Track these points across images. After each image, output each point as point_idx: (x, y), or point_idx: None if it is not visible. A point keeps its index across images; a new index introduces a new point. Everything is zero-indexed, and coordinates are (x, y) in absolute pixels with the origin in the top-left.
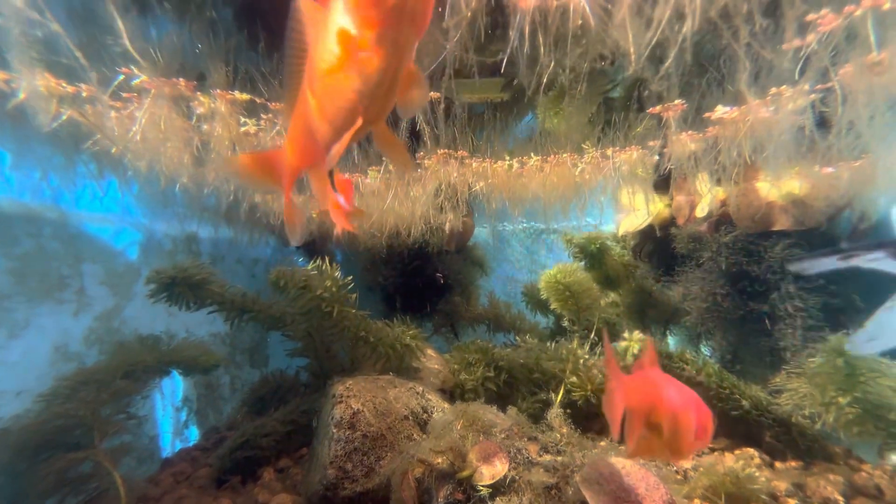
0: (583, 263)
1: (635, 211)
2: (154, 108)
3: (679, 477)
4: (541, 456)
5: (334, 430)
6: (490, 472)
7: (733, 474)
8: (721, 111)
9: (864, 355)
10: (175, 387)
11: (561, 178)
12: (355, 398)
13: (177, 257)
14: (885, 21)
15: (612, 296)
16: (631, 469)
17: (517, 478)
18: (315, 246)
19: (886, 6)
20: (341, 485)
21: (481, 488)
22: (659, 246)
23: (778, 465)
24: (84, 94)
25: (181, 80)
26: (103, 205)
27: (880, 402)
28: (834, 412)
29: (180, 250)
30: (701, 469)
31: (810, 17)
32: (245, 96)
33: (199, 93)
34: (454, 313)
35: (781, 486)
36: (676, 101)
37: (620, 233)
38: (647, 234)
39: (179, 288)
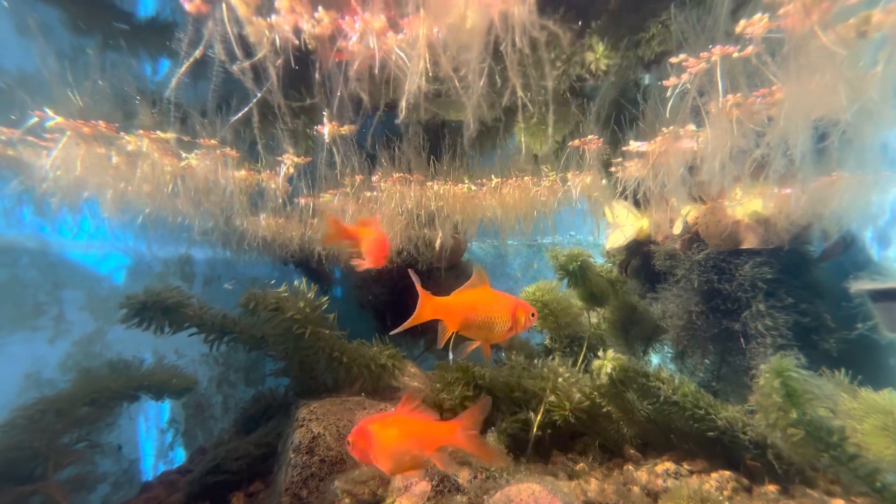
0: (565, 281)
1: (620, 227)
2: (72, 148)
3: (651, 499)
4: (470, 482)
5: (292, 456)
6: (410, 501)
7: (697, 497)
8: (634, 145)
9: (801, 375)
10: (161, 409)
11: (518, 199)
12: (317, 422)
13: (168, 280)
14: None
15: (602, 312)
16: (539, 494)
17: None
18: (312, 264)
19: (735, 55)
20: None
21: None
22: (644, 262)
23: (756, 489)
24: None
25: (101, 122)
26: (89, 231)
27: (820, 424)
28: (779, 434)
29: (172, 273)
30: (670, 491)
31: (673, 59)
32: (171, 135)
33: (122, 133)
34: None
35: None
36: (591, 137)
37: (607, 248)
38: (633, 251)
39: (151, 312)
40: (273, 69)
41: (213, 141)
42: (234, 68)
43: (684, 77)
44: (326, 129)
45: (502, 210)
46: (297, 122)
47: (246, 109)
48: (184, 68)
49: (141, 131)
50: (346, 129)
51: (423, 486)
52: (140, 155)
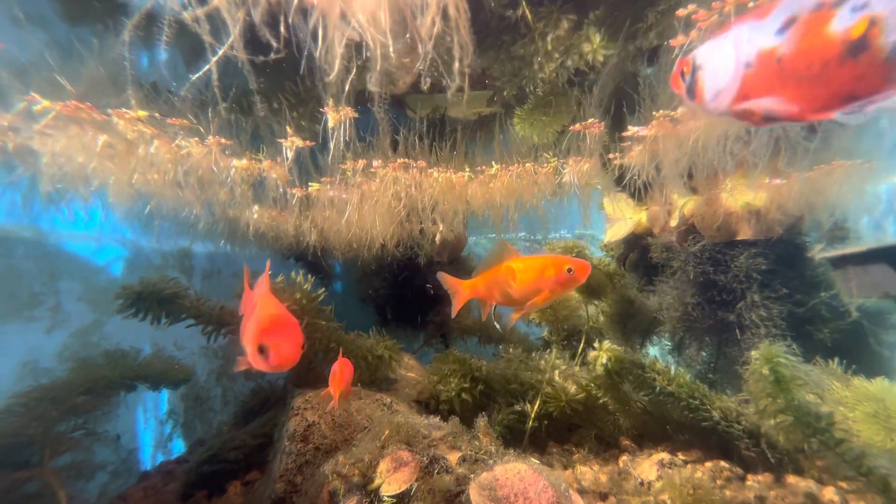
0: None
1: (619, 220)
2: (59, 132)
3: (643, 489)
4: (459, 465)
5: (287, 443)
6: (398, 482)
7: (690, 484)
8: (633, 130)
9: (790, 362)
10: (159, 400)
11: (515, 188)
12: (312, 410)
13: (166, 272)
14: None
15: (600, 305)
16: (525, 474)
17: (422, 486)
18: (312, 258)
19: (750, 4)
20: (289, 498)
21: (386, 498)
22: (642, 255)
23: (750, 478)
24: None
25: (74, 101)
26: (87, 223)
27: (808, 409)
28: (768, 420)
29: (171, 265)
30: (663, 480)
31: (680, 12)
32: (143, 113)
33: (110, 113)
34: (445, 325)
35: (739, 496)
36: (591, 120)
37: (605, 242)
38: (631, 244)
39: (147, 303)
40: (231, 20)
41: (183, 120)
42: (186, 15)
43: (693, 34)
44: (329, 116)
45: (501, 198)
46: (303, 110)
47: (207, 67)
48: (135, 19)
49: (111, 110)
50: (346, 111)
51: (411, 468)
52: (138, 141)
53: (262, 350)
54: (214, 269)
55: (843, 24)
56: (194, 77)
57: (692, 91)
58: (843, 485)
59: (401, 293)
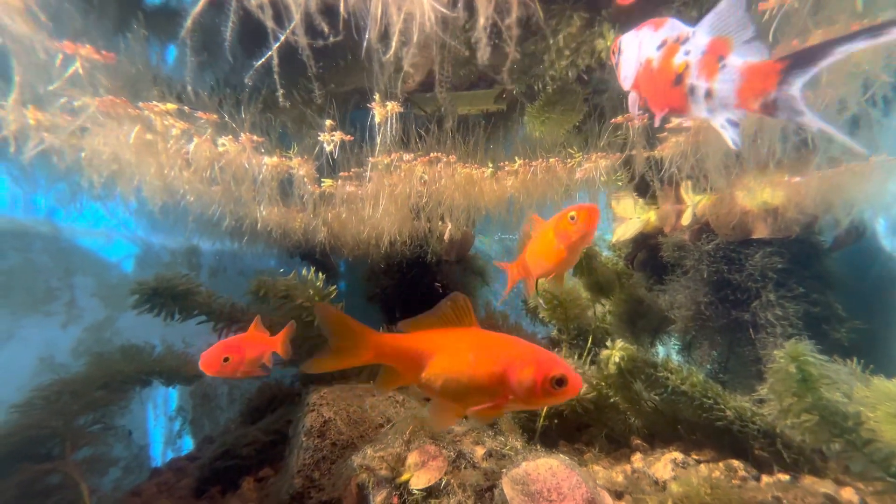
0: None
1: (627, 219)
2: (98, 127)
3: (659, 487)
4: (485, 460)
5: (303, 439)
6: (427, 476)
7: (707, 484)
8: (675, 121)
9: (817, 360)
10: (169, 397)
11: (530, 185)
12: (328, 407)
13: (175, 269)
14: None
15: (607, 304)
16: (557, 469)
17: (452, 481)
18: (318, 256)
19: None
20: (307, 493)
21: (416, 491)
22: (651, 255)
23: (765, 478)
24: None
25: (110, 97)
26: (100, 219)
27: (835, 408)
28: (791, 419)
29: (180, 263)
30: (679, 479)
31: None
32: (172, 106)
33: (142, 107)
34: None
35: (757, 497)
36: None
37: (613, 241)
38: (639, 243)
39: (161, 299)
40: (295, 6)
41: (213, 115)
42: (252, 1)
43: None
44: (376, 111)
45: (519, 194)
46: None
47: (270, 53)
48: (195, 11)
49: (141, 103)
50: (393, 106)
51: (439, 462)
52: (176, 137)
53: (560, 382)
54: (221, 266)
55: (679, 59)
56: (257, 63)
57: (616, 67)
58: (861, 486)
59: (409, 291)
